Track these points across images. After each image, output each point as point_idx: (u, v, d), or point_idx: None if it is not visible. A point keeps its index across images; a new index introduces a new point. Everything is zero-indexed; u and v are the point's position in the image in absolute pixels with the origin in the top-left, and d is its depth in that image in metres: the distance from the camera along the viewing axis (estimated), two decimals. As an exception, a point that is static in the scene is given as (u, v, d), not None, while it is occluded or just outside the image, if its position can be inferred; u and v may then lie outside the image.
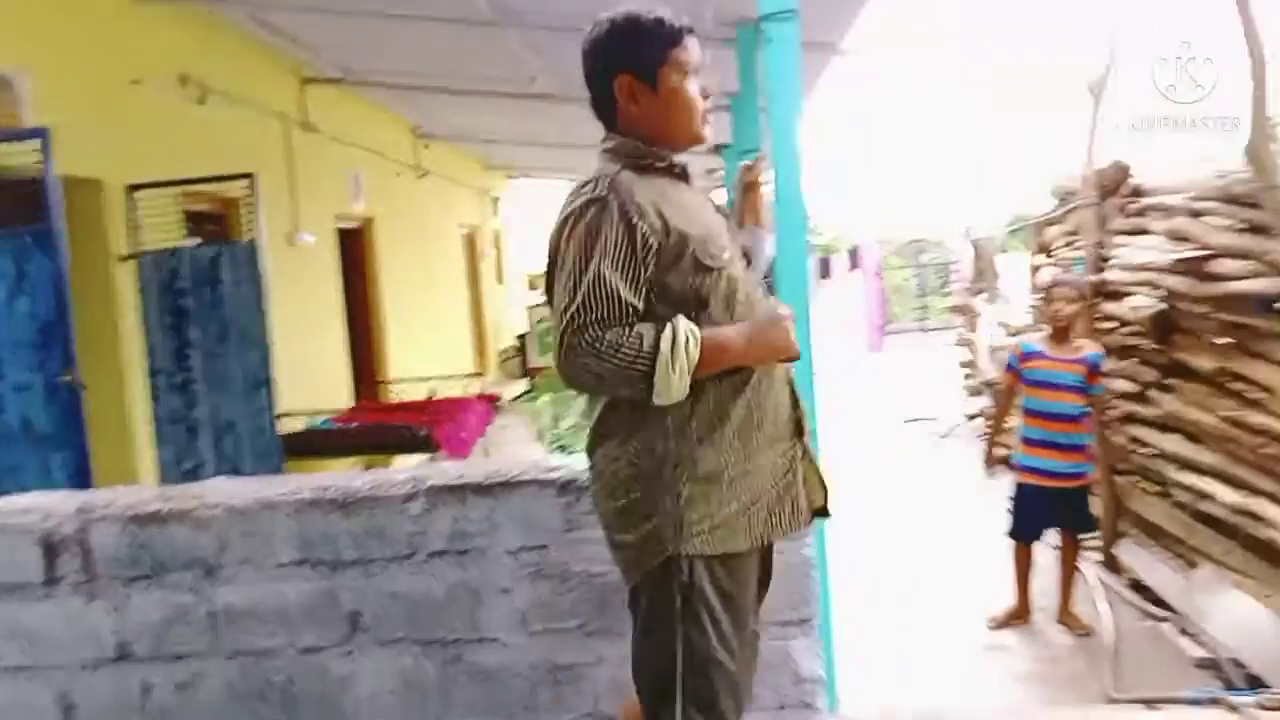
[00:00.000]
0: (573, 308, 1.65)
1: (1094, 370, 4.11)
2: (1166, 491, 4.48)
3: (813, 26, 3.94)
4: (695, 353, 1.65)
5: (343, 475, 2.35)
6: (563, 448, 4.45)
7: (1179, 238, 3.88)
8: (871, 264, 17.10)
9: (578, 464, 2.25)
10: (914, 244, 20.08)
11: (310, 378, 6.83)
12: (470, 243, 12.92)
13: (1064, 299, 4.16)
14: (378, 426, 6.53)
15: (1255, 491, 3.66)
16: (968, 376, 8.60)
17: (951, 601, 4.59)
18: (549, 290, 1.79)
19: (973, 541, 5.20)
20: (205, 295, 4.92)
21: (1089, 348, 4.20)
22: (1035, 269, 6.26)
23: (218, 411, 5.02)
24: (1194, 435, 4.12)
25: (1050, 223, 5.93)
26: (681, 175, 1.86)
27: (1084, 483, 4.23)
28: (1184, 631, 4.02)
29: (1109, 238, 4.68)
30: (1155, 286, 4.07)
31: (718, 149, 6.89)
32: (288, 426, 5.97)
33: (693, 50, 1.82)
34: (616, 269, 1.66)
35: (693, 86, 1.82)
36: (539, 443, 5.68)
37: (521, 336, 13.79)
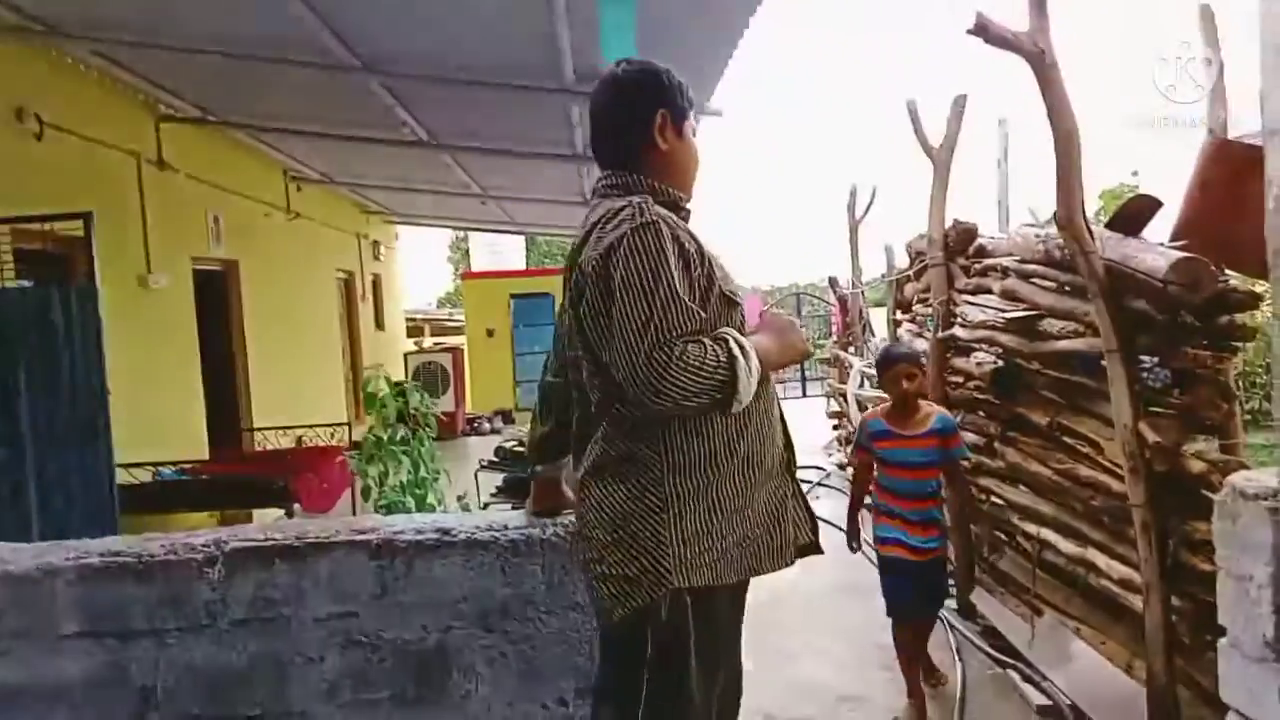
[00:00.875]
0: (651, 328, 1.65)
1: (946, 435, 3.90)
2: (1013, 541, 4.62)
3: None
4: (755, 358, 1.74)
5: (135, 539, 2.19)
6: (389, 508, 4.30)
7: (1011, 297, 4.05)
8: (753, 313, 17.37)
9: (393, 524, 2.16)
10: (795, 294, 20.60)
11: (160, 427, 6.49)
12: (347, 288, 12.61)
13: (903, 375, 3.89)
14: (230, 479, 6.23)
15: (1089, 542, 3.80)
16: (836, 427, 8.78)
17: (813, 650, 4.60)
18: (578, 323, 1.80)
19: (834, 592, 5.25)
20: (33, 340, 4.60)
21: (936, 413, 3.97)
22: (896, 324, 6.46)
23: (44, 465, 4.68)
24: (1034, 486, 4.27)
25: (907, 279, 6.15)
26: (687, 220, 1.96)
27: (937, 554, 3.99)
28: (1028, 679, 4.12)
29: (956, 295, 4.86)
30: (993, 344, 4.24)
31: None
32: (131, 479, 5.64)
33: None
34: (683, 286, 1.71)
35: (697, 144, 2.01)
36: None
37: (401, 383, 13.47)
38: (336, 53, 5.04)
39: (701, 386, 1.65)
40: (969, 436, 4.80)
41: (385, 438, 4.68)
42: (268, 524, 2.19)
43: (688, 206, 1.97)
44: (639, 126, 1.91)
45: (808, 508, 2.00)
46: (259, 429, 8.37)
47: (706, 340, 1.69)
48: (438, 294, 33.21)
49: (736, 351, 1.70)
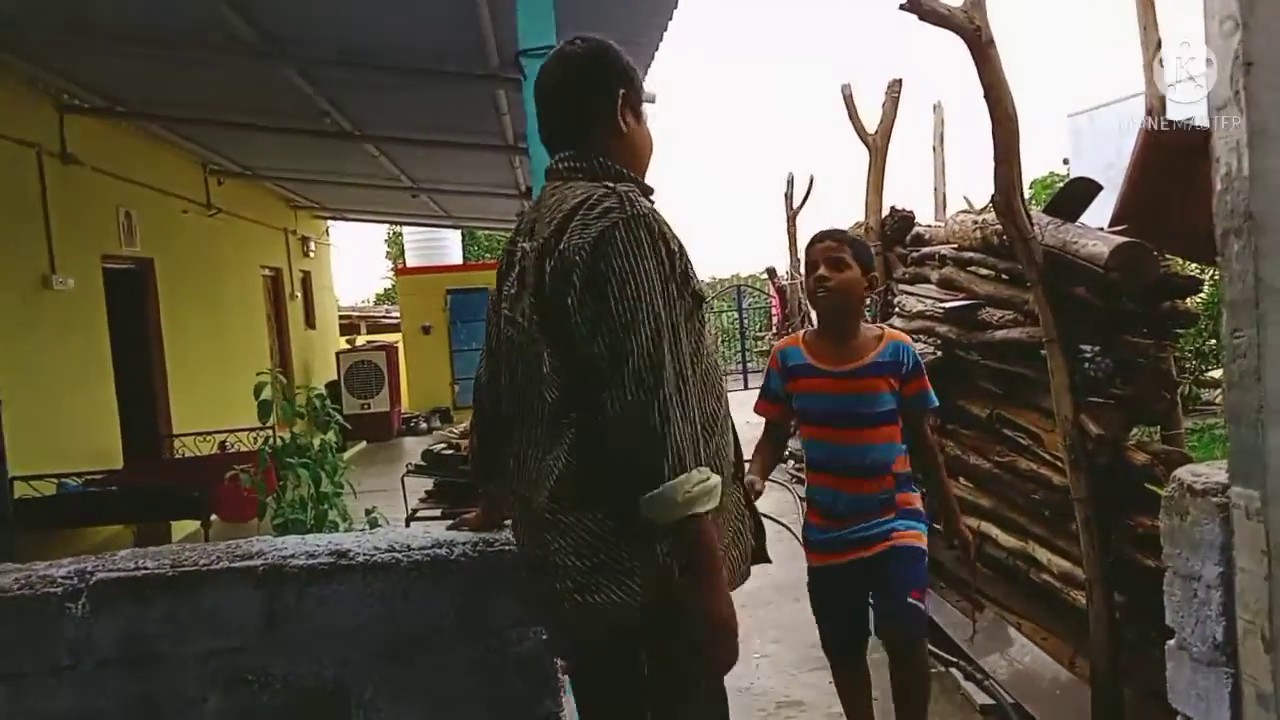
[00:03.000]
0: (665, 339, 1.54)
1: (903, 372, 2.67)
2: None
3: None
4: (705, 506, 1.52)
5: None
6: (284, 526, 4.06)
7: (949, 286, 3.95)
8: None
9: (283, 547, 1.96)
10: (736, 286, 20.58)
11: (65, 436, 6.13)
12: (274, 285, 12.20)
13: (823, 258, 2.66)
14: (143, 489, 5.91)
15: (1030, 536, 3.73)
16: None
17: (751, 654, 4.48)
18: (544, 313, 1.64)
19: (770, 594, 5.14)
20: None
21: (887, 340, 2.71)
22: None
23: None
24: (974, 479, 4.19)
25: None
26: None
27: (892, 543, 2.69)
28: (970, 677, 4.05)
29: (894, 285, 4.77)
30: (931, 334, 4.14)
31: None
32: (33, 492, 5.31)
33: None
34: (675, 299, 1.60)
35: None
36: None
37: (332, 384, 13.12)
38: (243, 34, 4.76)
39: (670, 434, 1.51)
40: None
41: (280, 448, 4.42)
42: (141, 550, 1.97)
43: (653, 198, 1.81)
44: (600, 106, 1.77)
45: (756, 514, 1.90)
46: (178, 436, 8.01)
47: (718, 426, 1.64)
48: (375, 290, 32.60)
49: (711, 477, 1.54)
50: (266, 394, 4.43)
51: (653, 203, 1.77)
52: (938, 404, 2.82)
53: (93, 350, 6.80)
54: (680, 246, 1.68)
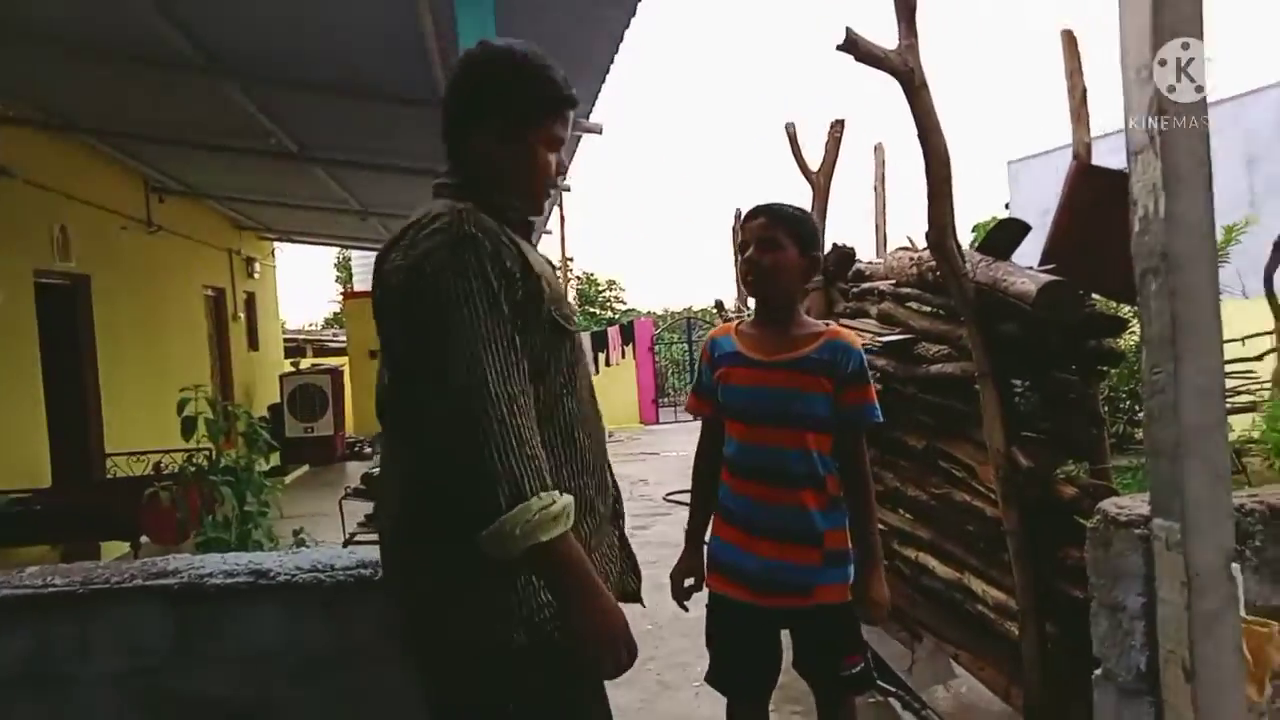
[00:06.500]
0: (481, 369, 1.40)
1: (842, 374, 2.34)
2: (892, 564, 4.58)
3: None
4: (551, 533, 1.40)
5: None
6: (206, 545, 3.96)
7: (888, 321, 4.01)
8: (645, 338, 17.41)
9: (201, 565, 1.91)
10: (686, 319, 20.68)
11: (-12, 453, 5.93)
12: (216, 306, 11.99)
13: (756, 236, 2.38)
14: (70, 509, 5.71)
15: (965, 567, 3.77)
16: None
17: (691, 680, 4.45)
18: (388, 348, 1.57)
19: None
20: None
21: (825, 336, 2.40)
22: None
23: None
24: (914, 511, 4.23)
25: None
26: (524, 230, 1.70)
27: (830, 598, 2.36)
28: (908, 706, 4.06)
29: (836, 320, 4.82)
30: (871, 367, 4.19)
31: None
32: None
33: (565, 124, 1.69)
34: (504, 322, 1.46)
35: (552, 158, 1.69)
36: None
37: (275, 407, 12.88)
38: (184, 50, 4.69)
39: (490, 469, 1.38)
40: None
41: (202, 466, 4.33)
42: (50, 567, 1.90)
43: (517, 215, 1.69)
44: (463, 125, 1.66)
45: (631, 553, 1.83)
46: (111, 455, 7.78)
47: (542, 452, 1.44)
48: (324, 314, 32.20)
49: (554, 502, 1.41)
50: (190, 410, 4.32)
51: (522, 222, 1.69)
52: (880, 419, 2.42)
53: (21, 365, 6.60)
54: (527, 266, 1.55)
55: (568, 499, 1.45)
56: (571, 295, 22.34)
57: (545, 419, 1.54)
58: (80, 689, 1.83)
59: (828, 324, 2.54)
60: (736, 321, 2.55)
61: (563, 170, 1.74)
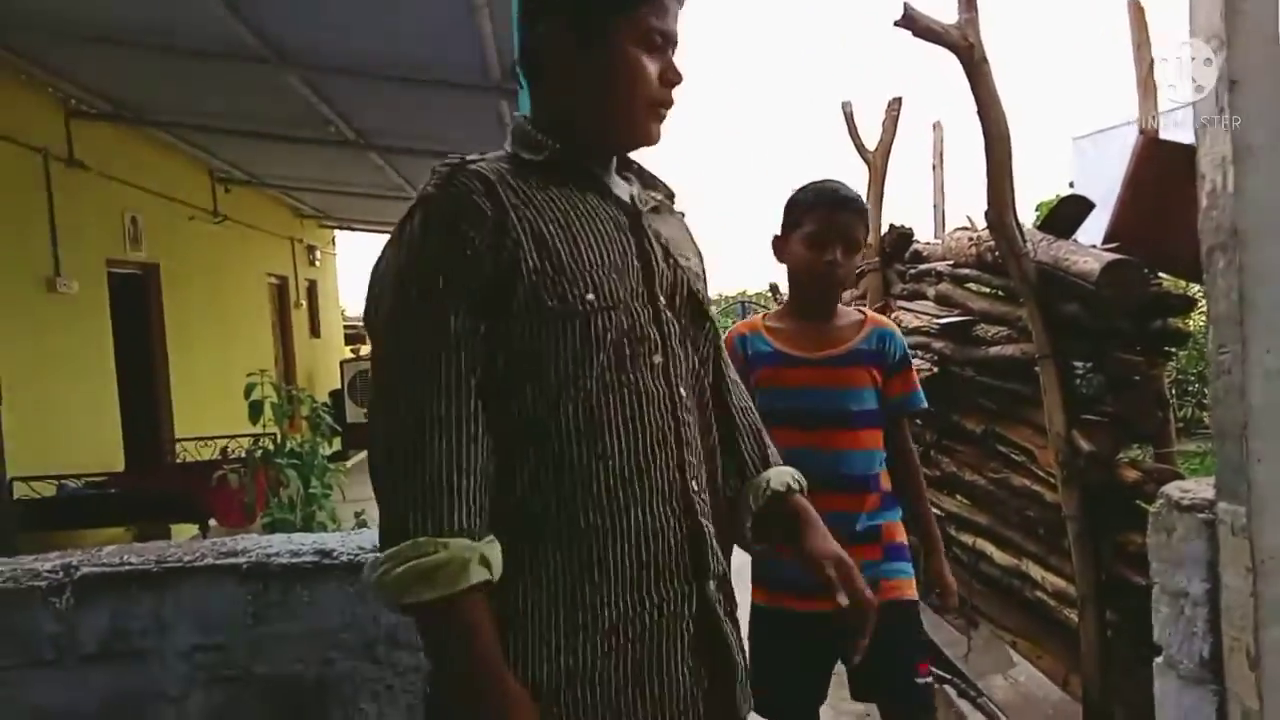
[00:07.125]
0: (405, 363, 1.12)
1: (890, 364, 2.21)
2: (950, 551, 4.54)
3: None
4: (418, 594, 1.06)
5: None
6: (273, 526, 4.07)
7: (946, 302, 3.96)
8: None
9: (268, 545, 1.96)
10: (740, 303, 20.60)
11: (67, 439, 6.15)
12: (279, 293, 12.26)
13: (834, 229, 2.15)
14: (143, 493, 5.92)
15: (1024, 553, 3.72)
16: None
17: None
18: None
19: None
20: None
21: (870, 326, 2.24)
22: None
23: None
24: (971, 496, 4.18)
25: (845, 285, 6.06)
26: (592, 184, 1.28)
27: (894, 594, 2.23)
28: (964, 694, 4.03)
29: (893, 301, 4.77)
30: (928, 350, 4.14)
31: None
32: (32, 494, 5.33)
33: (669, 14, 1.25)
34: (445, 319, 1.12)
35: (653, 64, 1.24)
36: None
37: (334, 393, 13.14)
38: (247, 41, 4.80)
39: (399, 496, 1.09)
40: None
41: (269, 450, 4.44)
42: (126, 546, 1.98)
43: (611, 151, 1.32)
44: (531, 48, 1.29)
45: (724, 642, 1.43)
46: (181, 440, 8.02)
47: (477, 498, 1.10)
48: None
49: (450, 546, 1.06)
50: (256, 394, 4.44)
51: (573, 167, 1.26)
52: (926, 406, 2.31)
53: (96, 353, 6.83)
54: (500, 240, 1.15)
55: (455, 554, 1.06)
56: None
57: (521, 434, 1.17)
58: (153, 664, 1.90)
59: (862, 310, 2.38)
60: (760, 315, 2.37)
61: (676, 79, 1.28)
